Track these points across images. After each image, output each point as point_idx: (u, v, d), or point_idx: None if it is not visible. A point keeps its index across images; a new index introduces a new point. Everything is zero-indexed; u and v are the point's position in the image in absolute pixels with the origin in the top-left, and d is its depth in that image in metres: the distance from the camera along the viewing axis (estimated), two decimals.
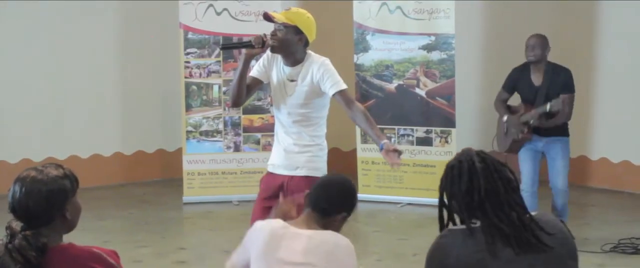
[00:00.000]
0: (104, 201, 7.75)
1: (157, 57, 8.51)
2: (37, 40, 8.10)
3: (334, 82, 4.32)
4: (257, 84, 4.51)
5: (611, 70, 8.00)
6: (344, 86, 4.35)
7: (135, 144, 8.67)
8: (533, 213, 2.62)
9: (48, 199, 2.62)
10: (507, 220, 2.54)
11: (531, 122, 5.94)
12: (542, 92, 5.99)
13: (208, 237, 6.61)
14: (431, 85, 7.52)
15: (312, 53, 4.44)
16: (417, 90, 7.57)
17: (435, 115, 7.53)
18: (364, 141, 7.71)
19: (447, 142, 7.50)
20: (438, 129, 7.52)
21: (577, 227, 6.19)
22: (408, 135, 7.62)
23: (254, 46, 4.31)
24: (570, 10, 7.99)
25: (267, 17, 4.36)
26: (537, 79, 6.09)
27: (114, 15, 8.45)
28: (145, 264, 5.93)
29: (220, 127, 7.76)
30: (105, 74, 8.48)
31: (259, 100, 7.74)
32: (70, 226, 2.71)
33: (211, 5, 7.63)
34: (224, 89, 7.65)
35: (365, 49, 7.68)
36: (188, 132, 7.74)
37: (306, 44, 4.39)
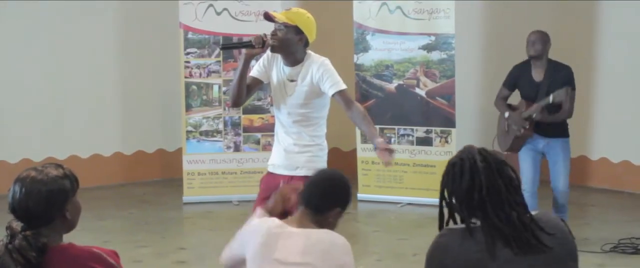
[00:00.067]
0: (104, 201, 7.75)
1: (157, 57, 8.51)
2: (37, 40, 8.10)
3: (333, 82, 4.32)
4: (257, 84, 4.52)
5: (611, 70, 8.00)
6: (343, 86, 4.35)
7: (135, 144, 8.67)
8: (534, 213, 2.61)
9: (48, 199, 2.62)
10: (507, 221, 2.52)
11: (533, 116, 5.94)
12: (543, 88, 5.99)
13: (208, 237, 6.61)
14: (431, 85, 7.52)
15: (312, 53, 4.44)
16: (417, 90, 7.57)
17: (435, 115, 7.53)
18: (364, 141, 7.70)
19: (447, 142, 7.50)
20: (438, 129, 7.52)
21: (577, 227, 6.19)
22: (408, 135, 7.62)
23: (254, 46, 4.32)
24: (570, 10, 7.99)
25: (268, 17, 4.36)
26: (538, 75, 6.11)
27: (114, 15, 8.45)
28: (145, 264, 5.93)
29: (220, 127, 7.76)
30: (105, 74, 8.48)
31: (259, 100, 7.74)
32: (70, 226, 2.71)
33: (211, 5, 7.63)
34: (224, 89, 7.65)
35: (365, 49, 7.68)
36: (188, 132, 7.74)
37: (306, 44, 4.39)
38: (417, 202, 7.54)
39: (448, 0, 7.37)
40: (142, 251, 6.22)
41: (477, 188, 2.54)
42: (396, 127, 7.64)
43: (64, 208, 2.66)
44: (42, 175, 2.63)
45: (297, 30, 4.33)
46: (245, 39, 4.48)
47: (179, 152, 8.04)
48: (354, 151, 7.92)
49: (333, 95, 4.33)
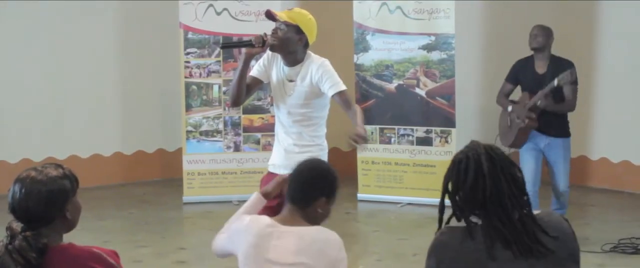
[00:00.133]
0: (104, 201, 7.75)
1: (157, 57, 8.51)
2: (37, 40, 8.10)
3: (333, 83, 4.32)
4: (257, 84, 4.52)
5: (611, 70, 8.00)
6: (343, 87, 4.35)
7: (135, 144, 8.67)
8: (537, 212, 2.59)
9: (48, 200, 2.62)
10: (508, 224, 2.51)
11: (538, 103, 5.96)
12: (546, 81, 6.01)
13: (208, 237, 6.54)
14: (431, 85, 7.52)
15: (312, 54, 4.45)
16: (417, 90, 7.57)
17: (435, 115, 7.53)
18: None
19: (447, 142, 7.49)
20: (438, 129, 7.52)
21: (577, 227, 6.13)
22: (408, 135, 7.62)
23: (254, 45, 4.32)
24: (570, 10, 7.99)
25: (270, 15, 4.37)
26: (541, 68, 6.15)
27: (114, 15, 8.45)
28: (145, 264, 5.93)
29: (220, 127, 7.76)
30: (105, 74, 8.48)
31: (259, 100, 7.74)
32: (70, 226, 2.71)
33: (211, 5, 7.63)
34: (224, 88, 7.65)
35: (365, 49, 7.68)
36: (188, 132, 7.74)
37: (306, 45, 4.39)
38: (417, 202, 7.54)
39: (448, 0, 7.37)
40: (142, 251, 6.22)
41: (481, 188, 2.52)
42: (396, 127, 7.64)
43: (64, 209, 2.65)
44: (42, 176, 2.63)
45: (298, 30, 4.33)
46: (245, 38, 4.48)
47: (179, 152, 8.04)
48: (354, 151, 7.91)
49: (333, 96, 4.33)
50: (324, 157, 4.48)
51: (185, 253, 6.25)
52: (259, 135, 7.76)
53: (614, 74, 7.99)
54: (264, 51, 4.39)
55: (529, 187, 5.94)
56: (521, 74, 6.27)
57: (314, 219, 3.10)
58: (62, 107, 8.29)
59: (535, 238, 2.51)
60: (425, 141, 7.56)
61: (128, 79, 8.54)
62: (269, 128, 7.47)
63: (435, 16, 7.42)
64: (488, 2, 8.50)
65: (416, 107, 7.58)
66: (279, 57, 4.44)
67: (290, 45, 4.35)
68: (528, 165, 6.09)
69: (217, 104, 7.74)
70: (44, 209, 2.61)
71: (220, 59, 7.70)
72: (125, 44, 8.52)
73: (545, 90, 5.93)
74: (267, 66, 4.48)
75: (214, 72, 7.72)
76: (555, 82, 5.87)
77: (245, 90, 4.42)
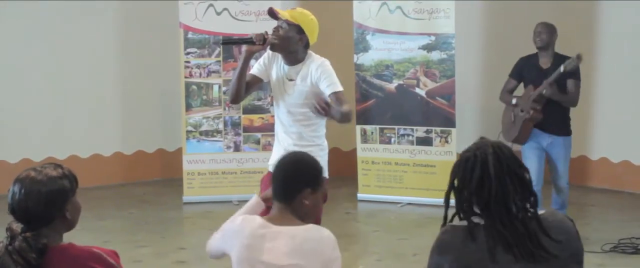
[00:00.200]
0: (104, 201, 7.75)
1: (157, 57, 8.51)
2: (37, 40, 8.10)
3: (330, 83, 4.33)
4: (256, 82, 4.52)
5: (611, 70, 8.00)
6: (340, 88, 4.35)
7: (135, 144, 8.67)
8: (542, 212, 2.57)
9: (48, 200, 2.61)
10: (511, 227, 2.49)
11: (544, 91, 5.98)
12: (550, 75, 6.03)
13: (208, 237, 6.56)
14: (431, 85, 7.52)
15: (313, 54, 4.45)
16: (417, 90, 7.57)
17: (435, 115, 7.53)
18: (364, 141, 7.71)
19: (447, 142, 7.49)
20: (438, 129, 7.52)
21: (577, 227, 6.19)
22: (408, 135, 7.62)
23: (255, 43, 4.33)
24: (570, 10, 7.99)
25: (272, 13, 4.38)
26: (545, 64, 6.18)
27: (114, 15, 8.45)
28: (145, 264, 5.93)
29: (220, 126, 7.76)
30: (105, 74, 8.48)
31: (259, 100, 7.73)
32: (70, 225, 2.71)
33: (211, 5, 7.63)
34: (224, 88, 7.65)
35: (365, 49, 7.68)
36: (188, 131, 7.74)
37: (307, 45, 4.40)
38: (417, 202, 7.54)
39: (448, 0, 7.37)
40: (142, 251, 6.22)
41: (486, 189, 2.51)
42: (396, 127, 7.64)
43: (64, 209, 2.65)
44: (42, 176, 2.63)
45: (299, 30, 4.34)
46: (247, 36, 4.48)
47: (179, 152, 8.04)
48: (354, 151, 7.92)
49: (329, 96, 4.33)
50: (324, 157, 4.48)
51: (185, 253, 6.25)
52: (259, 135, 7.76)
53: (614, 74, 7.99)
54: (265, 49, 4.40)
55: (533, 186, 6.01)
56: (525, 70, 6.29)
57: (304, 213, 3.03)
58: (62, 107, 8.29)
59: (538, 242, 2.49)
60: (425, 141, 7.56)
61: (128, 79, 8.54)
62: (269, 128, 7.46)
63: (435, 16, 7.42)
64: (488, 2, 8.50)
65: (416, 107, 7.58)
66: (279, 56, 4.44)
67: (291, 44, 4.35)
68: (531, 164, 6.10)
69: (217, 103, 7.74)
70: (43, 209, 2.61)
71: (221, 59, 7.70)
72: (125, 44, 8.52)
73: (550, 79, 5.98)
74: (267, 65, 4.49)
75: (214, 72, 7.72)
76: (562, 68, 5.94)
77: (245, 88, 4.43)
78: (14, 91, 8.05)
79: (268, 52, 4.47)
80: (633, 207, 7.50)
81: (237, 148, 7.77)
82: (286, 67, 4.42)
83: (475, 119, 8.46)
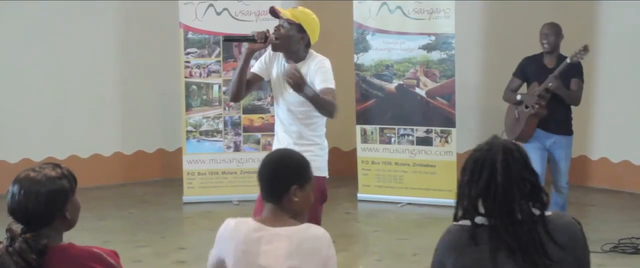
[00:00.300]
0: (104, 201, 7.75)
1: (157, 57, 8.51)
2: (37, 40, 8.10)
3: (324, 79, 4.32)
4: (257, 80, 4.53)
5: (611, 70, 8.00)
6: (331, 85, 4.33)
7: (135, 144, 8.67)
8: (549, 214, 2.54)
9: (47, 200, 2.61)
10: (514, 234, 2.47)
11: (550, 85, 5.99)
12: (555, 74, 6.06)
13: (208, 237, 6.55)
14: (431, 85, 7.52)
15: (314, 52, 4.45)
16: (417, 90, 7.57)
17: (435, 115, 7.53)
18: (364, 141, 7.71)
19: (447, 141, 7.49)
20: (438, 129, 7.52)
21: None
22: (408, 135, 7.62)
23: (257, 40, 4.33)
24: (570, 10, 7.99)
25: (273, 12, 4.38)
26: (550, 63, 6.20)
27: (114, 15, 8.45)
28: (145, 264, 5.93)
29: (220, 126, 7.76)
30: (105, 74, 8.48)
31: (259, 100, 7.73)
32: (70, 225, 2.71)
33: (211, 5, 7.63)
34: (224, 88, 7.65)
35: (365, 49, 7.68)
36: (188, 131, 7.74)
37: (308, 44, 4.40)
38: (417, 202, 7.54)
39: (448, 0, 7.37)
40: (142, 251, 6.22)
41: (492, 194, 2.50)
42: (396, 127, 7.64)
43: (63, 209, 2.65)
44: (41, 176, 2.62)
45: (300, 29, 4.35)
46: (249, 33, 4.47)
47: (179, 152, 8.04)
48: (354, 151, 7.92)
49: (320, 90, 4.32)
50: (324, 156, 4.48)
51: (185, 253, 6.25)
52: (259, 135, 7.76)
53: (614, 74, 7.99)
54: (266, 47, 4.41)
55: None
56: (529, 69, 6.30)
57: (296, 211, 2.97)
58: (62, 107, 8.29)
59: (542, 249, 2.47)
60: (425, 141, 7.56)
61: (128, 79, 8.54)
62: (269, 128, 7.46)
63: (435, 16, 7.42)
64: (488, 2, 8.50)
65: (416, 107, 7.58)
66: (280, 55, 4.45)
67: (292, 43, 4.36)
68: (534, 164, 6.07)
69: (217, 103, 7.74)
70: (43, 210, 2.61)
71: (220, 58, 7.71)
72: (125, 44, 8.52)
73: (556, 72, 6.01)
74: (268, 63, 4.49)
75: (214, 72, 7.72)
76: (569, 59, 5.98)
77: (246, 87, 4.43)
78: (14, 91, 8.05)
79: (269, 51, 4.47)
80: (633, 207, 7.50)
81: (237, 148, 7.77)
82: (287, 65, 4.42)
83: (475, 119, 8.46)
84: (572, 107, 6.29)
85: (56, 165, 2.70)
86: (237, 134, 7.76)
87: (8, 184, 2.68)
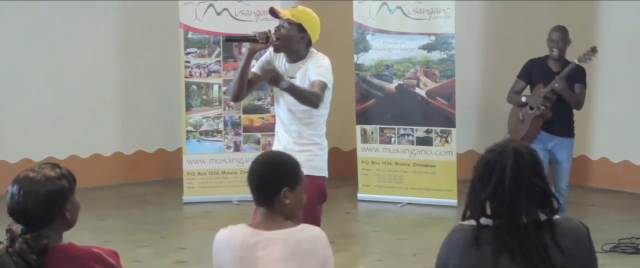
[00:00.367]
0: (104, 201, 7.75)
1: (157, 57, 8.51)
2: (37, 40, 8.10)
3: (317, 72, 4.33)
4: (258, 80, 4.53)
5: (611, 70, 8.00)
6: (324, 79, 4.33)
7: (135, 144, 8.67)
8: (557, 217, 2.53)
9: (47, 201, 2.60)
10: (518, 239, 2.46)
11: (556, 86, 6.00)
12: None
13: (208, 237, 6.53)
14: (431, 85, 7.52)
15: (315, 51, 4.46)
16: (417, 90, 7.57)
17: (435, 115, 7.53)
18: (364, 141, 7.71)
19: (447, 141, 7.49)
20: (438, 129, 7.52)
21: None
22: (408, 135, 7.62)
23: (258, 41, 4.33)
24: (570, 10, 7.99)
25: (273, 12, 4.38)
26: (555, 67, 6.20)
27: (114, 15, 8.45)
28: (145, 264, 5.93)
29: (221, 126, 7.76)
30: (105, 74, 8.48)
31: (259, 100, 7.73)
32: (69, 225, 2.71)
33: (211, 5, 7.62)
34: (224, 88, 7.65)
35: (365, 49, 7.68)
36: (188, 131, 7.74)
37: (309, 43, 4.41)
38: (417, 202, 7.53)
39: (448, 0, 7.37)
40: (142, 251, 6.22)
41: (499, 197, 2.49)
42: (396, 127, 7.64)
43: (63, 208, 2.65)
44: (40, 176, 2.62)
45: (301, 28, 4.35)
46: (250, 33, 4.47)
47: (179, 152, 8.04)
48: (354, 151, 7.92)
49: (312, 82, 4.32)
50: (324, 156, 4.49)
51: (185, 253, 6.25)
52: (259, 135, 7.76)
53: (614, 74, 7.99)
54: (267, 48, 4.41)
55: None
56: (534, 72, 6.30)
57: (289, 213, 2.93)
58: (62, 107, 8.29)
59: (546, 255, 2.46)
60: (425, 141, 7.56)
61: (128, 79, 8.54)
62: (269, 128, 7.46)
63: (435, 16, 7.41)
64: (488, 2, 8.50)
65: (416, 107, 7.57)
66: (281, 54, 4.46)
67: (293, 43, 4.36)
68: None
69: (217, 103, 7.74)
70: (43, 210, 2.60)
71: (221, 58, 7.71)
72: (125, 44, 8.51)
73: (562, 74, 6.02)
74: (269, 63, 4.49)
75: (214, 71, 7.72)
76: (576, 60, 6.00)
77: (247, 86, 4.43)
78: (14, 91, 8.05)
79: (270, 51, 4.48)
80: (633, 207, 7.50)
81: (237, 148, 7.77)
82: (287, 64, 4.43)
83: (476, 119, 8.46)
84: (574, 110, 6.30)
85: (55, 165, 2.70)
86: (237, 134, 7.76)
87: (8, 184, 2.67)
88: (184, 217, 7.55)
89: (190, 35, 7.67)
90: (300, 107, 4.39)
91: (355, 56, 7.71)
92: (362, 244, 6.61)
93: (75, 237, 2.79)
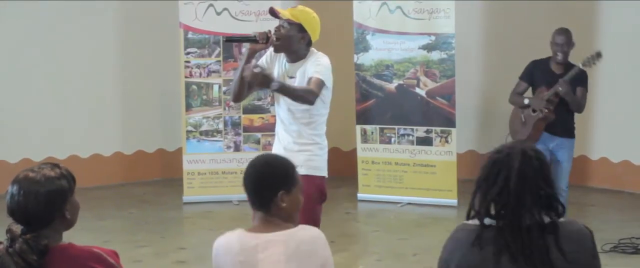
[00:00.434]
0: (104, 201, 7.75)
1: (157, 57, 8.50)
2: (37, 40, 8.10)
3: (315, 70, 4.33)
4: (250, 87, 4.52)
5: (611, 70, 7.99)
6: (320, 76, 4.32)
7: (135, 144, 8.67)
8: (561, 220, 2.53)
9: (47, 201, 2.60)
10: (520, 240, 2.46)
11: (559, 89, 5.99)
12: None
13: (208, 237, 6.55)
14: (431, 85, 7.52)
15: (315, 50, 4.46)
16: (417, 90, 7.56)
17: (435, 115, 7.53)
18: (364, 141, 7.71)
19: (447, 141, 7.49)
20: (438, 129, 7.52)
21: None
22: (408, 135, 7.62)
23: (258, 41, 4.34)
24: (570, 10, 7.99)
25: (273, 13, 4.39)
26: (557, 69, 6.19)
27: (114, 15, 8.45)
28: (145, 264, 5.93)
29: (221, 126, 7.76)
30: (105, 74, 8.48)
31: (259, 100, 7.73)
32: (69, 225, 2.71)
33: (211, 5, 7.62)
34: (224, 88, 7.65)
35: (366, 49, 7.68)
36: (188, 131, 7.74)
37: (309, 43, 4.41)
38: (417, 202, 7.53)
39: (448, 0, 7.37)
40: (142, 251, 6.22)
41: (504, 199, 2.49)
42: (396, 127, 7.64)
43: (63, 208, 2.65)
44: (40, 176, 2.62)
45: (301, 28, 4.35)
46: (250, 34, 4.48)
47: (179, 152, 8.04)
48: (354, 151, 7.92)
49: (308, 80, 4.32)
50: (324, 156, 4.49)
51: (185, 253, 6.25)
52: (259, 135, 7.76)
53: (614, 73, 7.98)
54: (267, 48, 4.41)
55: None
56: (536, 74, 6.29)
57: (286, 215, 2.90)
58: (62, 107, 8.29)
59: (547, 258, 2.46)
60: (425, 141, 7.56)
61: (128, 79, 8.54)
62: (269, 128, 7.46)
63: (435, 16, 7.41)
64: (488, 2, 8.50)
65: (416, 107, 7.57)
66: (282, 54, 4.46)
67: (293, 43, 4.37)
68: None
69: (217, 103, 7.74)
70: (42, 210, 2.60)
71: (221, 58, 7.71)
72: (125, 44, 8.51)
73: (566, 77, 6.01)
74: (269, 63, 4.50)
75: (214, 71, 7.72)
76: (581, 64, 6.00)
77: (247, 87, 4.43)
78: (14, 91, 8.05)
79: (270, 51, 4.48)
80: (633, 207, 7.50)
81: (237, 148, 7.77)
82: (288, 64, 4.43)
83: (476, 119, 8.46)
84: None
85: (55, 165, 2.69)
86: (237, 134, 7.76)
87: (8, 184, 2.67)
88: (184, 217, 7.55)
89: (190, 35, 7.67)
90: (300, 107, 4.39)
91: (355, 56, 7.71)
92: (362, 244, 6.61)
93: (75, 237, 2.79)
